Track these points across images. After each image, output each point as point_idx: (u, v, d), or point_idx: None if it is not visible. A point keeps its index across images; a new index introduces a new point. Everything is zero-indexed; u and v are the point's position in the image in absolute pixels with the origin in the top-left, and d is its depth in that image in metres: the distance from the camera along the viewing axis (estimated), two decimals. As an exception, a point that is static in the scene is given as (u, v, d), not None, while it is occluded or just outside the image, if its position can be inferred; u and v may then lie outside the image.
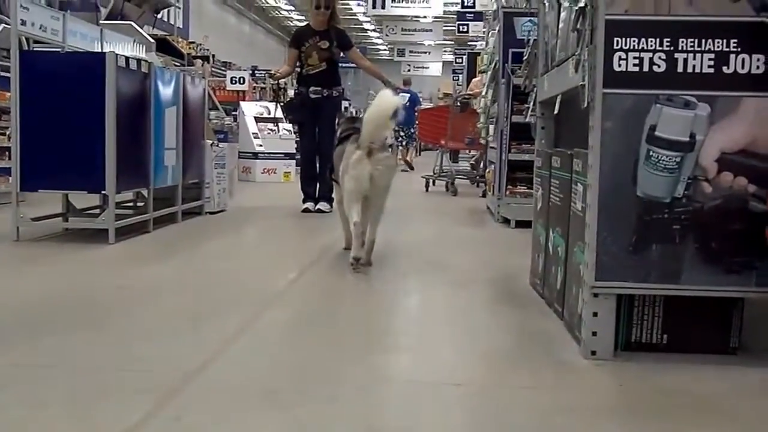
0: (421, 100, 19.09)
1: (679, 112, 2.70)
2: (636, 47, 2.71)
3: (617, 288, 2.81)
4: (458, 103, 10.78)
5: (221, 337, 3.04)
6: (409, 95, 17.53)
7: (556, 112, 3.62)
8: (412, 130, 17.16)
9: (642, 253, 2.77)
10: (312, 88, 7.52)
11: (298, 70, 7.75)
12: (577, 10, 2.88)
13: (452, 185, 10.70)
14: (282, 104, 8.04)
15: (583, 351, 2.85)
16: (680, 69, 2.71)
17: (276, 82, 8.02)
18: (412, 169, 16.89)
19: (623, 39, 2.72)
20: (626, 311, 2.88)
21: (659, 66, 2.71)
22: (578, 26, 2.89)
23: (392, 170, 4.53)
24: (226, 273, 4.56)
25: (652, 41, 2.71)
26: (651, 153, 2.72)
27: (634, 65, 2.72)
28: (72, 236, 5.61)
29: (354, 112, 22.33)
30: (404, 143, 17.56)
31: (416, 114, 17.33)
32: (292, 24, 40.60)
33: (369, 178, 4.33)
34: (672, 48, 2.70)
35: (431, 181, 11.25)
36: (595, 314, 2.82)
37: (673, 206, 2.74)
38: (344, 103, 11.76)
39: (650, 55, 2.71)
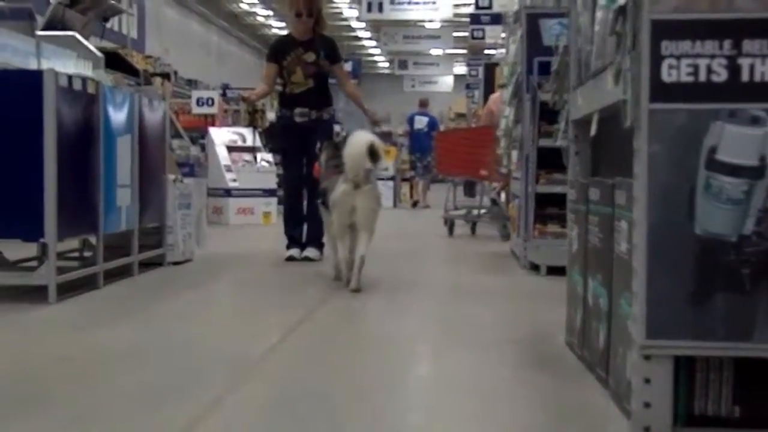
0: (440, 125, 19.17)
1: (745, 131, 2.69)
2: (689, 52, 2.71)
3: (674, 348, 2.77)
4: None
5: (184, 421, 3.00)
6: (427, 119, 17.76)
7: (593, 133, 3.62)
8: (429, 159, 17.36)
9: (704, 304, 2.74)
10: (297, 110, 7.53)
11: (280, 89, 7.79)
12: (616, 9, 2.89)
13: (504, 228, 10.30)
14: (260, 130, 8.05)
15: (634, 427, 2.80)
16: (745, 77, 2.70)
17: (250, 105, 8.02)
18: (425, 206, 17.00)
19: (673, 43, 2.71)
20: (686, 377, 2.84)
21: (719, 74, 2.70)
22: (618, 29, 2.89)
23: (376, 199, 5.95)
24: (191, 338, 4.52)
25: (709, 44, 2.70)
26: (711, 181, 2.71)
27: (688, 74, 2.72)
28: (3, 295, 5.58)
29: (345, 136, 22.36)
30: (420, 175, 17.65)
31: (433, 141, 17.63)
32: (270, 33, 40.93)
33: (353, 209, 5.73)
34: (735, 52, 2.70)
35: (450, 221, 10.92)
36: (647, 381, 2.78)
37: (741, 246, 2.71)
38: (336, 127, 11.79)
39: (707, 61, 2.70)
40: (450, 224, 10.86)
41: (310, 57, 7.51)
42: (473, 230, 10.88)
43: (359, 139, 5.76)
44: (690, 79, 2.72)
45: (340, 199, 5.77)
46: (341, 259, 5.97)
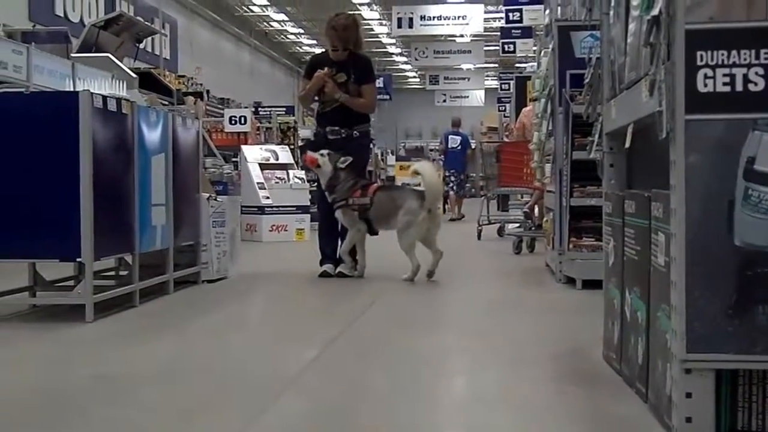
0: (472, 142, 19.46)
1: (784, 140, 2.66)
2: (726, 62, 2.68)
3: (715, 361, 2.74)
4: None
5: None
6: (460, 138, 18.25)
7: (627, 145, 3.59)
8: (462, 177, 18.23)
9: (745, 316, 2.70)
10: (329, 128, 7.58)
11: (314, 107, 7.85)
12: (649, 20, 2.86)
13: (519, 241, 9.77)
14: (293, 147, 8.11)
15: (676, 442, 2.77)
16: (784, 86, 2.67)
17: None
18: (461, 217, 17.17)
19: (709, 52, 2.69)
20: (728, 391, 2.80)
21: (756, 84, 2.68)
22: (652, 39, 2.86)
23: (440, 218, 7.71)
24: (226, 354, 4.53)
25: (746, 54, 2.67)
26: (750, 192, 2.67)
27: (724, 84, 2.69)
28: (41, 314, 5.62)
29: (376, 151, 22.56)
30: (454, 189, 18.03)
31: (466, 158, 18.03)
32: (301, 50, 41.17)
33: (428, 229, 7.24)
34: (772, 61, 2.67)
35: (518, 239, 10.17)
36: (688, 395, 2.75)
37: (782, 257, 2.68)
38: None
39: (744, 70, 2.68)
40: (518, 243, 10.06)
41: (341, 78, 7.55)
42: (532, 247, 10.15)
43: (435, 175, 7.51)
44: (726, 89, 2.69)
45: (420, 222, 7.14)
46: (416, 264, 7.17)
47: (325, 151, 7.46)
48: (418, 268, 7.20)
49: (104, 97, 5.55)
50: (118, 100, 5.78)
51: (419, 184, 7.38)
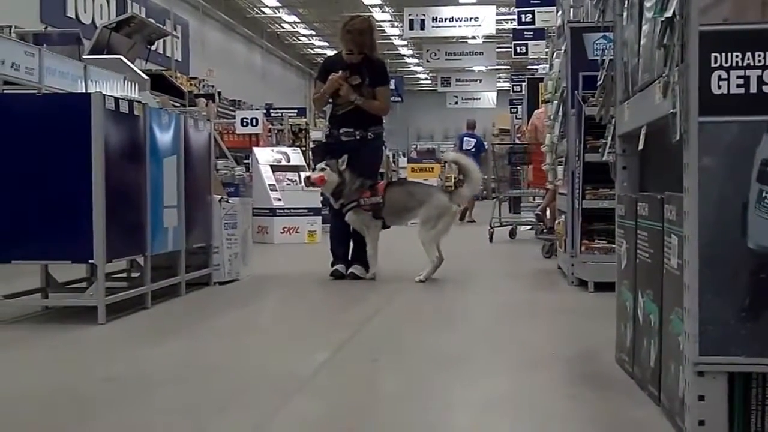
0: (485, 144, 19.37)
1: (798, 142, 2.66)
2: (740, 64, 2.68)
3: (728, 364, 2.74)
4: None
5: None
6: (474, 140, 18.05)
7: (640, 147, 3.59)
8: None
9: (758, 319, 2.70)
10: (343, 130, 7.59)
11: (327, 109, 7.87)
12: (663, 21, 2.86)
13: (551, 245, 9.58)
14: (303, 149, 8.12)
15: (689, 445, 2.77)
16: (798, 88, 2.66)
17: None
18: (464, 221, 17.14)
19: (723, 54, 2.69)
20: (741, 393, 2.79)
21: (770, 86, 2.67)
22: (665, 41, 2.86)
23: (457, 217, 8.22)
24: (238, 356, 4.54)
25: (760, 55, 2.67)
26: (764, 194, 2.67)
27: (738, 86, 2.69)
28: (53, 316, 5.64)
29: (388, 153, 22.56)
30: None
31: (480, 161, 17.98)
32: (313, 52, 41.23)
33: (451, 221, 7.41)
34: (787, 63, 2.66)
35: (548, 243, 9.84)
36: (701, 398, 2.75)
37: (796, 260, 2.67)
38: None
39: (759, 72, 2.67)
40: (548, 246, 9.76)
41: (356, 80, 7.56)
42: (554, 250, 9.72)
43: (478, 171, 7.66)
44: (740, 90, 2.68)
45: (453, 215, 7.42)
46: (435, 257, 7.25)
47: (322, 164, 7.50)
48: (440, 261, 7.23)
49: (116, 99, 5.56)
50: (130, 101, 5.79)
51: (448, 182, 7.51)
